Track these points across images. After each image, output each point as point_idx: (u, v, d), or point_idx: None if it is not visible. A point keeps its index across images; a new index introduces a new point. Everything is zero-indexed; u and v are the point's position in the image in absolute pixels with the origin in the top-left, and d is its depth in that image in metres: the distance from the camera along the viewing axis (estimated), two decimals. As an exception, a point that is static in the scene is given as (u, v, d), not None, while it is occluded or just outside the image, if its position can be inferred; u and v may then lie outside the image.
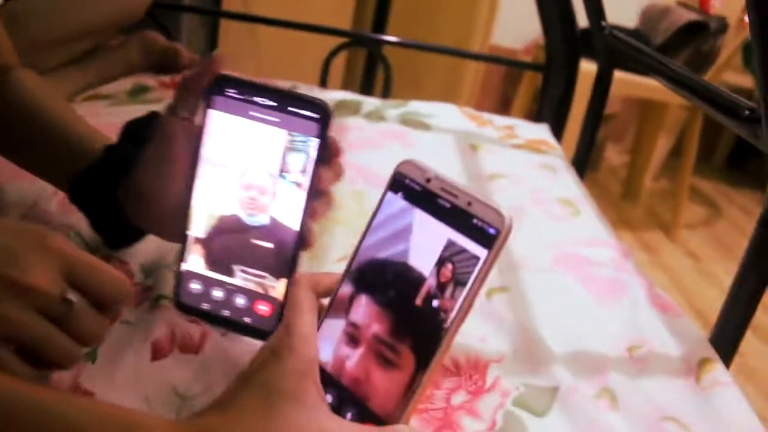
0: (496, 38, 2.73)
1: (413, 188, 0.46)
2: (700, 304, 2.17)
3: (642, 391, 0.63)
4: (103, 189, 0.61)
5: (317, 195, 0.55)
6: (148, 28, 1.29)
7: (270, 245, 0.56)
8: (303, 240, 0.55)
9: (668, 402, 0.63)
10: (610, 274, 0.83)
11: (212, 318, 0.58)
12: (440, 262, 0.43)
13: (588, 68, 1.39)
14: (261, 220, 0.56)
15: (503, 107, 3.27)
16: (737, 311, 0.73)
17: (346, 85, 2.49)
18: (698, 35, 2.39)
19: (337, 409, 0.45)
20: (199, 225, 0.57)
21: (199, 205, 0.56)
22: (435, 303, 0.43)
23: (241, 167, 0.55)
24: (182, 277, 0.58)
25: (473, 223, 0.42)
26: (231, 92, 0.54)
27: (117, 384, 0.53)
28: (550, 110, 1.41)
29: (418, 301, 0.44)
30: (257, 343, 0.55)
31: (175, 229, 0.58)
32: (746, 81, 2.69)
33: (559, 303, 0.76)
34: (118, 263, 0.67)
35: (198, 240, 0.57)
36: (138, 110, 0.68)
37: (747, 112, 0.76)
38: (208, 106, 0.55)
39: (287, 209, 0.55)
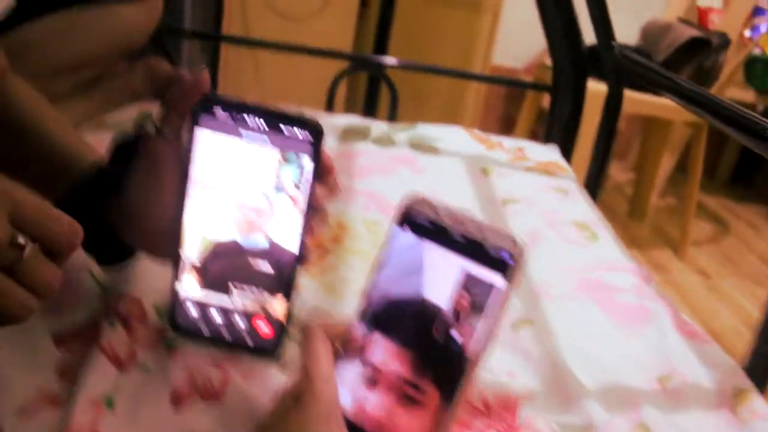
0: (496, 58, 2.72)
1: (422, 222, 0.45)
2: (713, 323, 2.14)
3: (677, 425, 0.61)
4: (92, 208, 0.60)
5: (314, 213, 0.55)
6: (152, 55, 1.28)
7: (267, 264, 0.56)
8: (301, 257, 0.56)
9: (706, 437, 0.61)
10: (634, 300, 0.81)
11: (212, 341, 0.58)
12: (456, 293, 0.42)
13: (594, 87, 1.38)
14: (257, 239, 0.55)
15: (506, 126, 3.26)
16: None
17: (348, 108, 2.49)
18: (700, 51, 2.38)
19: None
20: (192, 246, 0.56)
21: (191, 226, 0.55)
22: (454, 333, 0.42)
23: (234, 187, 0.55)
24: (177, 298, 0.57)
25: (487, 252, 0.42)
26: (220, 112, 0.53)
27: (136, 433, 0.50)
28: (558, 131, 1.39)
29: (436, 333, 0.42)
30: (280, 385, 0.54)
31: (166, 248, 0.57)
32: (749, 96, 2.69)
33: (585, 333, 0.74)
34: (130, 300, 0.65)
35: (192, 261, 0.56)
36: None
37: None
38: (196, 124, 0.53)
39: (283, 228, 0.55)
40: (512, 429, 0.57)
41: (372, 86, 1.92)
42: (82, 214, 0.60)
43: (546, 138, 1.42)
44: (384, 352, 0.44)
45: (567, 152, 1.36)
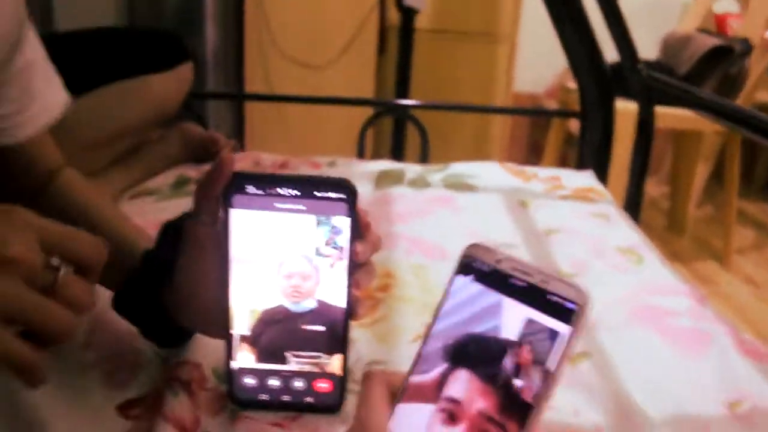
0: (517, 85, 2.74)
1: (483, 270, 0.45)
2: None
3: (754, 452, 0.60)
4: (146, 295, 0.62)
5: (357, 268, 0.56)
6: (184, 120, 1.31)
7: (320, 326, 0.57)
8: (351, 313, 0.56)
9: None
10: (691, 324, 0.80)
11: (273, 406, 0.59)
12: (520, 343, 0.42)
13: (622, 106, 1.38)
14: (307, 304, 0.56)
15: (534, 152, 3.26)
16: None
17: (376, 151, 2.51)
18: (723, 60, 2.37)
19: None
20: (242, 322, 0.57)
21: (239, 303, 0.56)
22: (517, 383, 0.41)
23: (277, 258, 0.55)
24: (234, 375, 0.58)
25: (551, 300, 0.41)
26: (251, 188, 0.53)
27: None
28: (591, 156, 1.39)
29: (504, 373, 0.42)
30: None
31: (219, 328, 0.58)
32: (778, 99, 2.66)
33: (644, 361, 0.73)
34: (191, 366, 0.66)
35: (244, 336, 0.57)
36: (182, 204, 0.68)
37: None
38: (230, 206, 0.54)
39: (331, 288, 0.56)
40: (586, 470, 0.56)
41: (398, 128, 1.93)
42: (137, 300, 0.62)
43: (579, 164, 1.42)
44: (469, 388, 0.44)
45: (602, 176, 1.35)
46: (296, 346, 0.57)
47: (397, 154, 1.91)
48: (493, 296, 0.44)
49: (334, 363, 0.58)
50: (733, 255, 2.54)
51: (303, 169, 1.28)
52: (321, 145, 2.32)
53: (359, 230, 0.55)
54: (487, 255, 0.45)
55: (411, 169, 1.28)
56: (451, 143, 2.52)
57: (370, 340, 0.74)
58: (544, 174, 1.31)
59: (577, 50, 1.37)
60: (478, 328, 0.44)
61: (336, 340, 0.57)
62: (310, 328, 0.57)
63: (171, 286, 0.59)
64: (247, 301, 0.56)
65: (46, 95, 0.72)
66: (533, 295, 0.42)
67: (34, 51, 0.70)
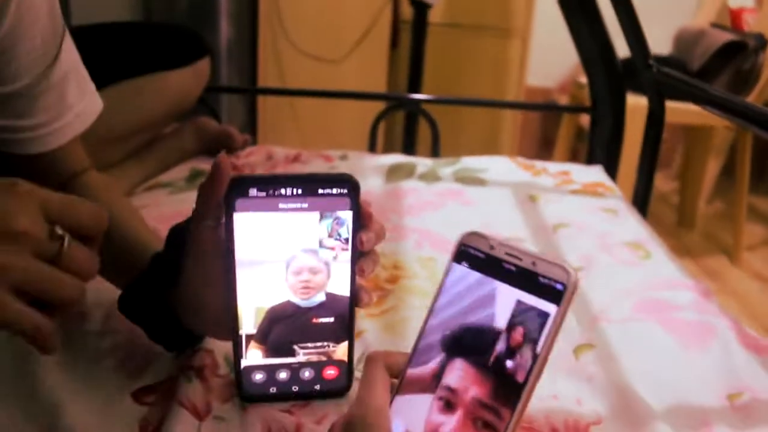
0: (529, 79, 2.74)
1: (478, 257, 0.47)
2: (775, 328, 2.10)
3: (752, 442, 0.61)
4: (152, 297, 0.62)
5: (361, 257, 0.57)
6: (199, 114, 1.33)
7: (329, 318, 0.58)
8: (355, 300, 0.58)
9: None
10: (695, 317, 0.81)
11: (281, 397, 0.60)
12: (511, 324, 0.43)
13: (633, 101, 1.38)
14: (317, 298, 0.57)
15: (545, 147, 3.26)
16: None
17: (388, 144, 2.52)
18: (737, 55, 2.36)
19: None
20: (250, 322, 0.57)
21: (247, 304, 0.57)
22: (509, 364, 0.43)
23: (284, 256, 0.56)
24: (243, 374, 0.59)
25: (541, 282, 0.43)
26: (254, 191, 0.53)
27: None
28: (601, 151, 1.40)
29: (493, 362, 0.44)
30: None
31: (226, 331, 0.59)
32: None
33: (647, 353, 0.74)
34: (203, 353, 0.67)
35: (252, 335, 0.58)
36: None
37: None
38: (234, 210, 0.53)
39: (337, 279, 0.57)
40: (587, 457, 0.58)
41: (410, 122, 1.95)
42: (143, 302, 0.63)
43: (589, 159, 1.43)
44: (464, 376, 0.45)
45: (612, 171, 1.36)
46: (305, 339, 0.59)
47: (409, 148, 1.92)
48: (487, 284, 0.46)
49: (341, 349, 0.60)
50: (743, 251, 2.54)
51: (315, 162, 1.30)
52: (333, 138, 2.34)
53: (362, 220, 0.56)
54: (481, 242, 0.47)
55: (422, 162, 1.30)
56: (463, 137, 2.53)
57: (379, 330, 0.75)
58: (553, 169, 1.32)
59: (589, 45, 1.38)
60: (473, 318, 0.46)
61: (343, 328, 0.59)
62: (320, 321, 0.58)
63: (177, 288, 0.60)
64: (254, 300, 0.57)
65: (81, 103, 0.72)
66: (524, 278, 0.44)
67: (69, 60, 0.71)
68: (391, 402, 0.48)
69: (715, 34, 2.47)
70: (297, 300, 0.57)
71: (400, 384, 0.48)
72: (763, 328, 2.07)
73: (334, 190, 0.54)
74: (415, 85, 2.06)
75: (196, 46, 1.19)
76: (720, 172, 2.90)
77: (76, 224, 0.46)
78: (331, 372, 0.60)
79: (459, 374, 0.45)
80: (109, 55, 1.08)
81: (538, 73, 2.98)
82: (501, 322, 0.44)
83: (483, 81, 2.65)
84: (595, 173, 1.31)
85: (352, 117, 2.24)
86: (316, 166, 1.28)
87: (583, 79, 1.44)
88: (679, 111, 2.22)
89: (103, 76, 0.94)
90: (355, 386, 0.62)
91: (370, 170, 1.25)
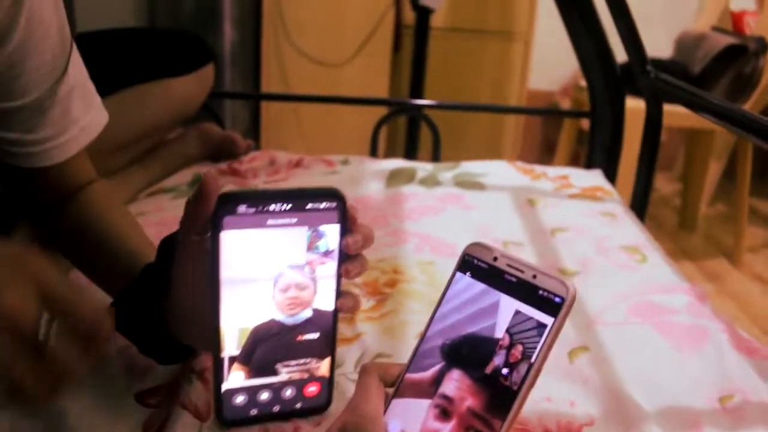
0: (531, 83, 2.75)
1: (481, 267, 0.48)
2: (776, 331, 2.10)
3: (742, 443, 0.63)
4: (143, 309, 0.61)
5: (347, 262, 0.56)
6: (202, 119, 1.34)
7: (315, 334, 0.57)
8: (337, 311, 0.57)
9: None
10: (689, 320, 0.82)
11: (262, 418, 0.59)
12: (511, 342, 0.45)
13: (633, 105, 1.40)
14: (304, 314, 0.56)
15: (547, 150, 3.28)
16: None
17: (389, 149, 2.54)
18: (738, 59, 2.37)
19: None
20: (233, 343, 0.56)
21: (230, 324, 0.55)
22: (505, 376, 0.45)
23: (271, 273, 0.55)
24: (223, 398, 0.57)
25: (541, 294, 0.45)
26: (242, 208, 0.52)
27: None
28: (600, 155, 1.41)
29: (491, 370, 0.46)
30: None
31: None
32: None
33: (641, 356, 0.76)
34: (204, 356, 0.68)
35: (235, 357, 0.56)
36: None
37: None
38: (222, 229, 0.52)
39: (322, 296, 0.56)
40: (579, 458, 0.59)
41: (412, 127, 1.96)
42: (132, 313, 0.63)
43: (588, 163, 1.45)
44: (460, 387, 0.47)
45: (611, 175, 1.38)
46: (289, 357, 0.57)
47: (410, 152, 1.94)
48: (489, 294, 0.48)
49: (324, 366, 0.59)
50: (744, 253, 2.55)
51: (317, 167, 1.32)
52: (335, 143, 2.36)
53: (348, 224, 0.55)
54: (484, 253, 0.49)
55: (422, 167, 1.31)
56: (465, 141, 2.54)
57: (378, 333, 0.77)
58: (552, 173, 1.33)
59: (588, 49, 1.39)
60: (474, 328, 0.48)
61: (327, 343, 0.58)
62: (305, 338, 0.57)
63: (166, 299, 0.59)
64: (237, 320, 0.55)
65: (86, 117, 0.73)
66: (524, 290, 0.46)
67: (76, 74, 0.71)
68: (389, 404, 0.50)
69: (716, 37, 2.48)
70: (283, 317, 0.56)
71: (399, 387, 0.50)
72: (763, 331, 2.08)
73: (323, 205, 0.54)
74: (417, 89, 2.08)
75: (201, 52, 1.21)
76: (721, 174, 2.91)
77: (73, 320, 0.43)
78: (312, 389, 0.59)
79: (456, 384, 0.47)
80: (114, 61, 1.09)
81: (540, 76, 3.00)
82: (500, 332, 0.46)
83: (485, 85, 2.66)
84: (594, 177, 1.33)
85: (354, 122, 2.26)
86: (317, 171, 1.30)
87: (585, 83, 1.45)
88: (680, 114, 2.23)
89: (108, 83, 0.96)
90: (335, 403, 0.61)
91: (371, 175, 1.27)
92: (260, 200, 0.52)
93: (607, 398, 0.68)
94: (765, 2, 2.69)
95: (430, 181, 1.25)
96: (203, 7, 2.05)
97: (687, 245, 2.69)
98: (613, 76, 1.39)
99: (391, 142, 2.56)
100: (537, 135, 3.33)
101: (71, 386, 0.44)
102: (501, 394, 0.45)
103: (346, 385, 0.66)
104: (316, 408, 0.60)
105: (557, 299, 0.44)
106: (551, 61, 2.94)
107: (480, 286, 0.48)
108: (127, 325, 0.63)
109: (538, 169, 1.35)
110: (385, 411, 0.49)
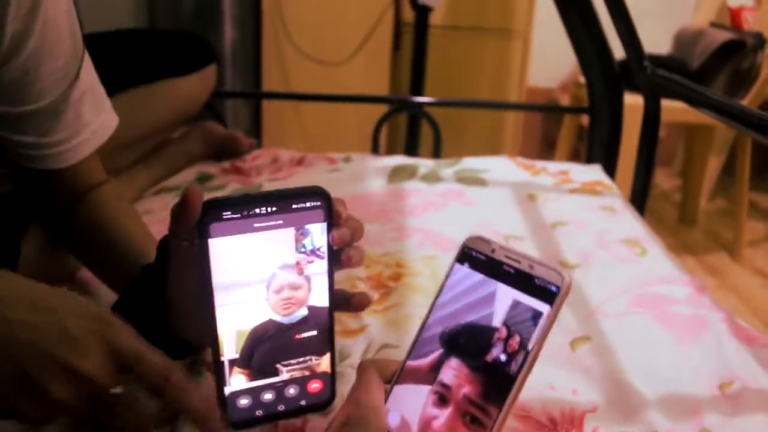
0: (531, 80, 2.77)
1: (480, 258, 0.50)
2: (776, 323, 2.12)
3: (741, 429, 0.64)
4: (143, 308, 0.62)
5: (337, 262, 0.58)
6: (205, 119, 1.36)
7: (312, 332, 0.58)
8: (333, 306, 0.58)
9: (769, 438, 0.63)
10: (688, 310, 0.83)
11: (268, 418, 0.59)
12: (509, 332, 0.47)
13: (631, 100, 1.41)
14: (299, 313, 0.57)
15: (547, 146, 3.29)
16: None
17: (390, 146, 2.55)
18: (736, 54, 2.38)
19: None
20: (232, 347, 0.56)
21: (227, 328, 0.56)
22: (504, 358, 0.46)
23: (263, 276, 0.55)
24: (228, 401, 0.57)
25: (537, 284, 0.46)
26: (228, 214, 0.52)
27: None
28: (600, 151, 1.43)
29: (490, 358, 0.47)
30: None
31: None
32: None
33: (642, 346, 0.77)
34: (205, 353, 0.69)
35: (235, 360, 0.56)
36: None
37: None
38: (209, 236, 0.52)
39: (316, 293, 0.57)
40: (581, 443, 0.61)
41: (413, 124, 1.97)
42: (133, 311, 0.63)
43: (588, 158, 1.46)
44: (458, 375, 0.48)
45: (610, 170, 1.39)
46: (288, 356, 0.58)
47: (411, 149, 1.95)
48: (487, 284, 0.49)
49: (324, 362, 0.59)
50: (745, 248, 2.56)
51: (319, 164, 1.33)
52: (337, 140, 2.37)
53: (333, 219, 0.56)
54: (483, 245, 0.50)
55: (423, 164, 1.33)
56: (465, 137, 2.55)
57: (383, 326, 0.78)
58: (553, 168, 1.35)
59: (586, 46, 1.41)
60: (473, 317, 0.49)
61: (325, 340, 0.59)
62: (303, 336, 0.58)
63: (165, 299, 0.60)
64: (234, 324, 0.56)
65: (98, 120, 0.74)
66: (522, 280, 0.47)
67: (87, 78, 0.73)
68: (391, 390, 0.51)
69: (714, 33, 2.49)
70: (279, 317, 0.57)
71: (400, 374, 0.51)
72: (763, 324, 2.09)
73: (308, 204, 0.54)
74: (417, 87, 2.09)
75: (203, 52, 1.22)
76: (721, 169, 2.92)
77: (143, 377, 0.49)
78: (315, 386, 0.60)
79: (453, 372, 0.49)
80: (119, 63, 1.10)
81: (540, 73, 3.01)
82: (498, 320, 0.47)
83: (485, 82, 2.68)
84: (594, 172, 1.34)
85: (355, 119, 2.28)
86: (320, 168, 1.31)
87: (584, 80, 1.46)
88: (679, 109, 2.24)
89: (112, 84, 0.97)
90: (339, 399, 0.62)
91: (373, 172, 1.28)
92: (245, 205, 0.53)
93: (608, 386, 0.69)
94: (762, -3, 2.70)
95: (432, 177, 1.26)
96: (203, 7, 2.06)
97: (687, 240, 2.71)
98: (612, 72, 1.40)
99: (392, 139, 2.57)
100: (537, 132, 3.35)
101: None
102: (498, 382, 0.46)
103: (353, 377, 0.67)
104: (321, 404, 0.61)
105: (553, 288, 0.46)
106: (550, 58, 2.96)
107: (478, 276, 0.50)
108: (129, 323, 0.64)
109: (539, 164, 1.36)
110: (385, 401, 0.51)
